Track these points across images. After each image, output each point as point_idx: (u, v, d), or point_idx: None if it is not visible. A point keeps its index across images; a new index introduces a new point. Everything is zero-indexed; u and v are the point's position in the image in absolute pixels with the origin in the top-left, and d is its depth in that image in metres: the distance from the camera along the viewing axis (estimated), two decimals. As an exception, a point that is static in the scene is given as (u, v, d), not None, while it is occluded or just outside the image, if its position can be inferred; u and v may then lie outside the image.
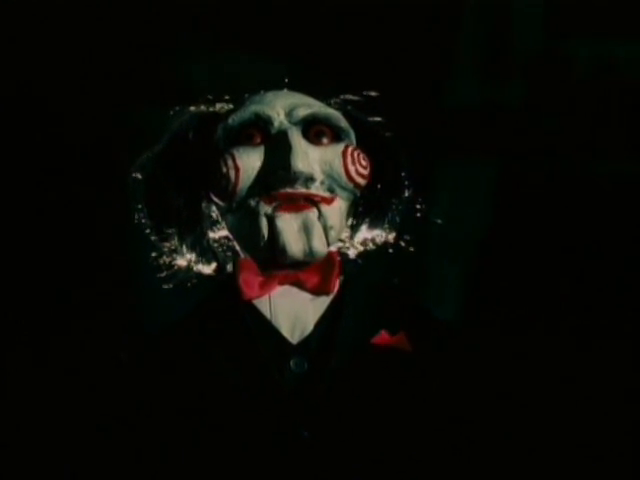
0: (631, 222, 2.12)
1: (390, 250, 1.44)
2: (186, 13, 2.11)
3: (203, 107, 1.41)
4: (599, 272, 2.10)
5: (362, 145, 1.37)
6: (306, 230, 1.28)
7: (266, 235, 1.29)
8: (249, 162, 1.30)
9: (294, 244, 1.28)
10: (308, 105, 1.35)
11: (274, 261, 1.31)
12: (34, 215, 2.04)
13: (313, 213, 1.30)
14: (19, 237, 2.03)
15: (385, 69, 1.97)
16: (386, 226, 1.43)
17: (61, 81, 2.10)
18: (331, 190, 1.32)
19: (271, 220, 1.29)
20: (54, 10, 2.09)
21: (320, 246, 1.29)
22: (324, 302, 1.32)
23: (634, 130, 2.16)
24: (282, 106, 1.34)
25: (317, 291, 1.32)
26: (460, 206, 2.15)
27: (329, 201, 1.32)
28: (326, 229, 1.30)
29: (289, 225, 1.28)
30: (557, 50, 2.22)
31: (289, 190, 1.29)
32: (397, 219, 1.43)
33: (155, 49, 2.09)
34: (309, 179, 1.29)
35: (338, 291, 1.33)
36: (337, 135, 1.35)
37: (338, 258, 1.35)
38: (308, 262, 1.31)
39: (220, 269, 1.40)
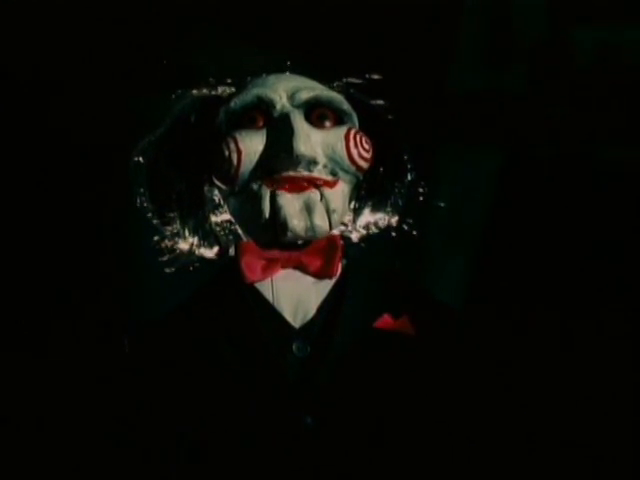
0: (635, 209, 2.11)
1: (393, 234, 1.44)
2: (189, 2, 2.11)
3: (205, 90, 1.41)
4: (602, 260, 2.10)
5: (365, 128, 1.36)
6: (308, 209, 1.28)
7: (268, 215, 1.29)
8: (251, 145, 1.30)
9: (296, 220, 1.27)
10: (311, 88, 1.34)
11: (276, 244, 1.31)
12: (35, 199, 2.04)
13: (315, 194, 1.30)
14: (19, 221, 2.03)
15: (388, 53, 1.96)
16: (389, 209, 1.43)
17: (63, 67, 2.10)
18: (334, 173, 1.32)
19: (273, 199, 1.28)
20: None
21: (322, 222, 1.29)
22: (327, 286, 1.32)
23: (637, 116, 2.16)
24: (284, 89, 1.33)
25: (320, 274, 1.32)
26: (462, 191, 2.15)
27: (331, 184, 1.31)
28: (329, 212, 1.30)
29: (291, 203, 1.28)
30: (560, 37, 2.22)
31: (291, 173, 1.29)
32: (400, 202, 1.43)
33: (157, 34, 2.09)
34: (311, 162, 1.29)
35: (341, 275, 1.33)
36: (340, 118, 1.34)
37: (341, 242, 1.35)
38: (309, 241, 1.31)
39: (222, 252, 1.40)
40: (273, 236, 1.30)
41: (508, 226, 2.10)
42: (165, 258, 1.41)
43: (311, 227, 1.28)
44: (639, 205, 2.11)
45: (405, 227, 1.45)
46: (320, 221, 1.29)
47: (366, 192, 1.41)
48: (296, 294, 1.31)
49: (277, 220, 1.28)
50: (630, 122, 2.16)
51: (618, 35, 2.20)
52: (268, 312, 1.30)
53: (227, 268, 1.35)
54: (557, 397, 1.93)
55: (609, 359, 2.02)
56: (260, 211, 1.29)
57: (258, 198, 1.29)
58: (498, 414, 1.34)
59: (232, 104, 1.33)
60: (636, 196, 2.12)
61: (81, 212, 2.03)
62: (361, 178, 1.37)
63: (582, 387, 1.97)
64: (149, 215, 1.41)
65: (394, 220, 1.44)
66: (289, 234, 1.28)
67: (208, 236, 1.40)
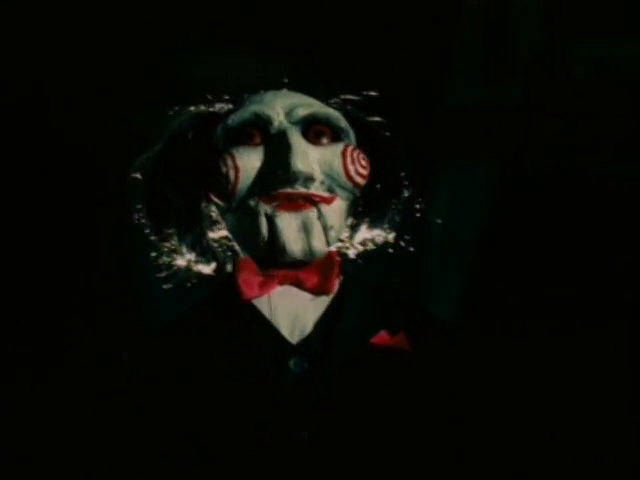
0: (631, 222, 2.12)
1: (390, 250, 1.44)
2: (186, 13, 2.10)
3: (203, 107, 1.41)
4: (600, 273, 2.10)
5: (362, 145, 1.37)
6: (306, 229, 1.28)
7: (266, 234, 1.29)
8: (249, 162, 1.30)
9: (294, 243, 1.28)
10: (308, 105, 1.35)
11: (274, 261, 1.31)
12: (33, 216, 2.04)
13: (313, 213, 1.30)
14: (18, 237, 2.03)
15: (385, 69, 1.96)
16: (386, 226, 1.43)
17: (60, 81, 2.10)
18: (331, 190, 1.32)
19: (271, 219, 1.29)
20: (54, 9, 2.09)
21: (320, 245, 1.29)
22: (324, 302, 1.32)
23: (634, 130, 2.16)
24: (282, 106, 1.34)
25: (317, 291, 1.32)
26: (460, 206, 2.15)
27: (329, 201, 1.32)
28: (326, 229, 1.30)
29: (289, 224, 1.28)
30: (557, 50, 2.22)
31: (289, 190, 1.29)
32: (397, 219, 1.43)
33: (155, 49, 2.09)
34: (309, 179, 1.29)
35: (338, 291, 1.33)
36: (337, 135, 1.35)
37: (338, 258, 1.35)
38: (308, 262, 1.31)
39: (220, 269, 1.40)
40: (271, 255, 1.30)
41: (505, 241, 2.10)
42: (163, 274, 1.41)
43: (309, 251, 1.29)
44: (637, 218, 2.11)
45: (402, 243, 1.45)
46: (317, 244, 1.29)
47: (363, 209, 1.41)
48: (293, 310, 1.31)
49: (275, 243, 1.28)
50: (627, 135, 2.16)
51: (615, 49, 2.20)
52: (265, 328, 1.30)
53: (224, 284, 1.35)
54: (557, 412, 1.93)
55: (609, 373, 2.02)
56: (258, 231, 1.29)
57: (255, 215, 1.30)
58: (497, 430, 1.33)
59: (230, 121, 1.34)
60: (634, 209, 2.12)
61: (78, 228, 2.03)
62: (358, 195, 1.37)
63: (582, 401, 1.97)
64: (146, 231, 1.41)
65: (391, 236, 1.44)
66: (287, 257, 1.29)
67: (205, 252, 1.40)
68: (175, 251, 1.40)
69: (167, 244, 1.40)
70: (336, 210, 1.33)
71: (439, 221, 1.63)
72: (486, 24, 2.24)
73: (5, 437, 1.84)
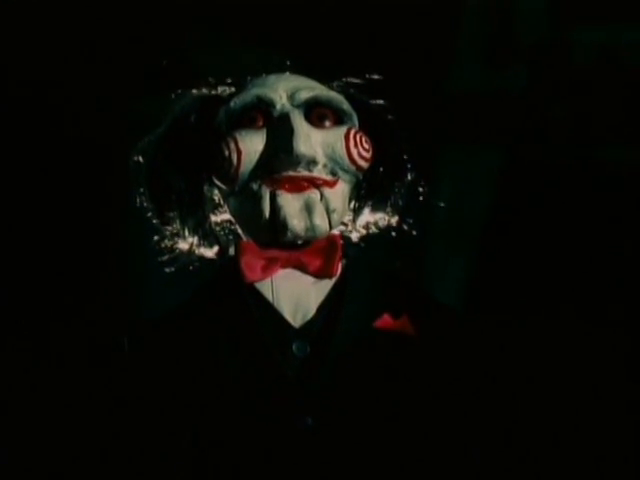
0: (633, 209, 2.12)
1: (393, 233, 1.44)
2: (187, 3, 2.10)
3: (205, 90, 1.41)
4: (601, 260, 2.10)
5: (364, 128, 1.36)
6: (308, 209, 1.28)
7: (267, 215, 1.29)
8: (251, 145, 1.30)
9: (296, 220, 1.28)
10: (310, 88, 1.34)
11: (276, 244, 1.31)
12: (35, 201, 2.04)
13: (315, 195, 1.30)
14: (18, 222, 2.03)
15: (388, 52, 1.96)
16: (388, 209, 1.43)
17: (62, 67, 2.09)
18: (333, 173, 1.32)
19: (273, 199, 1.28)
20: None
21: (322, 222, 1.29)
22: (326, 285, 1.32)
23: (636, 116, 2.16)
24: (284, 89, 1.33)
25: (319, 274, 1.32)
26: (463, 190, 2.15)
27: (331, 184, 1.32)
28: (328, 212, 1.30)
29: (291, 203, 1.28)
30: (559, 37, 2.22)
31: (291, 173, 1.29)
32: (400, 202, 1.43)
33: (157, 34, 2.09)
34: (311, 162, 1.29)
35: (340, 274, 1.33)
36: (339, 118, 1.34)
37: (340, 241, 1.35)
38: (310, 240, 1.31)
39: (222, 252, 1.40)
40: (273, 236, 1.30)
41: (508, 226, 2.11)
42: (165, 258, 1.41)
43: (311, 227, 1.28)
44: (637, 205, 2.11)
45: (405, 227, 1.45)
46: (320, 221, 1.29)
47: (366, 192, 1.41)
48: (296, 294, 1.31)
49: (277, 220, 1.28)
50: (629, 122, 2.16)
51: (617, 36, 2.20)
52: (268, 312, 1.30)
53: (227, 268, 1.35)
54: (558, 398, 1.93)
55: (610, 359, 2.02)
56: (260, 211, 1.29)
57: (258, 198, 1.29)
58: (498, 415, 1.33)
59: (232, 104, 1.33)
60: (636, 196, 2.12)
61: (81, 212, 2.03)
62: (361, 178, 1.37)
63: (584, 388, 1.97)
64: (149, 215, 1.41)
65: (394, 220, 1.44)
66: (289, 234, 1.28)
67: (208, 236, 1.40)
68: (177, 234, 1.40)
69: (169, 227, 1.40)
70: (339, 193, 1.32)
71: (442, 205, 1.63)
72: (490, 10, 2.24)
73: (5, 421, 1.84)
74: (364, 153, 1.33)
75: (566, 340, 2.00)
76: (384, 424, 1.25)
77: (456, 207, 2.07)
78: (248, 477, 1.23)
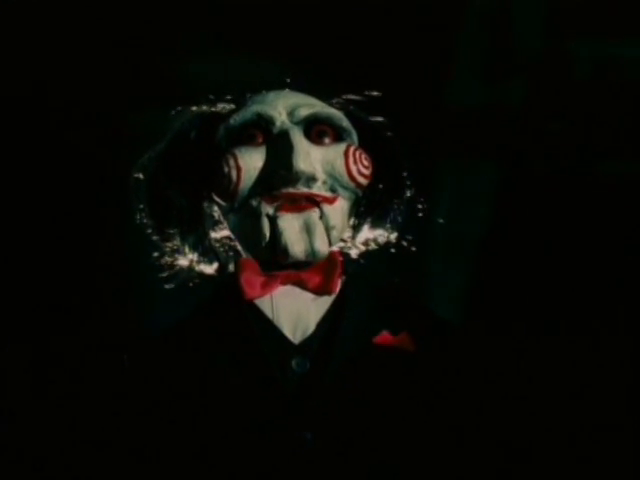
0: (632, 222, 2.11)
1: (392, 250, 1.44)
2: (188, 12, 2.10)
3: (205, 107, 1.41)
4: (601, 272, 2.10)
5: (364, 145, 1.37)
6: (308, 230, 1.28)
7: (268, 235, 1.29)
8: (251, 162, 1.30)
9: (296, 244, 1.28)
10: (310, 105, 1.35)
11: (276, 261, 1.31)
12: (34, 216, 2.04)
13: (315, 213, 1.30)
14: (18, 238, 2.03)
15: (387, 69, 1.96)
16: (388, 226, 1.43)
17: (62, 81, 2.09)
18: (333, 190, 1.32)
19: (273, 220, 1.29)
20: (55, 9, 2.09)
21: (322, 246, 1.29)
22: (326, 302, 1.32)
23: (635, 130, 2.16)
24: (284, 106, 1.34)
25: (319, 291, 1.32)
26: (462, 206, 2.14)
27: (331, 201, 1.32)
28: (328, 229, 1.30)
29: (291, 225, 1.28)
30: (558, 50, 2.22)
31: (291, 190, 1.29)
32: (399, 219, 1.43)
33: (157, 49, 2.09)
34: (311, 179, 1.29)
35: (340, 291, 1.33)
36: (339, 135, 1.35)
37: (340, 258, 1.35)
38: (310, 262, 1.31)
39: (222, 269, 1.40)
40: (273, 255, 1.30)
41: (507, 241, 2.10)
42: (165, 274, 1.41)
43: (311, 252, 1.29)
44: (637, 218, 2.11)
45: (404, 243, 1.45)
46: (320, 245, 1.29)
47: (365, 208, 1.41)
48: (295, 310, 1.31)
49: (277, 245, 1.28)
50: (629, 136, 2.16)
51: (616, 49, 2.20)
52: (267, 328, 1.30)
53: (226, 284, 1.35)
54: (559, 411, 1.92)
55: (611, 373, 2.02)
56: (260, 231, 1.29)
57: (257, 216, 1.30)
58: (499, 429, 1.33)
59: (232, 121, 1.34)
60: (635, 210, 2.12)
61: (80, 228, 2.03)
62: (360, 194, 1.37)
63: (584, 402, 1.97)
64: (149, 231, 1.41)
65: (393, 236, 1.44)
66: (290, 259, 1.29)
67: (208, 252, 1.40)
68: (177, 251, 1.40)
69: (169, 244, 1.40)
70: (338, 210, 1.33)
71: (441, 221, 1.63)
72: (488, 24, 2.24)
73: (6, 443, 1.84)
74: (363, 170, 1.33)
75: (567, 355, 1.99)
76: (383, 440, 1.25)
77: (455, 222, 2.06)
78: (248, 493, 1.23)
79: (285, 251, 1.28)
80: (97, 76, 2.08)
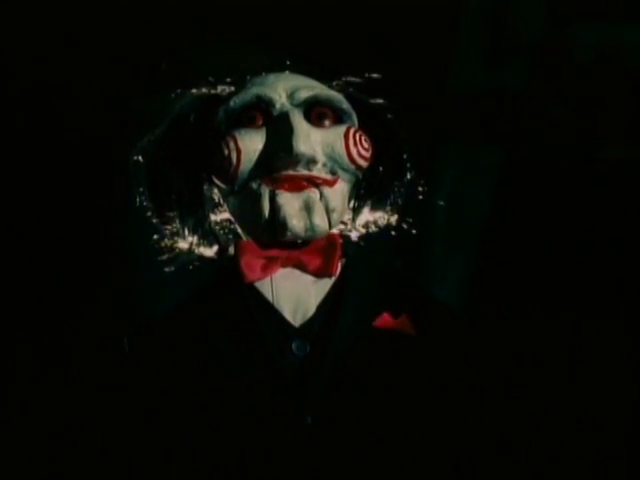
0: (633, 209, 2.11)
1: (392, 232, 1.44)
2: (190, 2, 2.11)
3: (204, 89, 1.41)
4: (601, 260, 2.10)
5: (364, 127, 1.36)
6: (307, 208, 1.28)
7: (267, 214, 1.29)
8: (251, 144, 1.30)
9: (295, 219, 1.28)
10: (310, 87, 1.34)
11: (276, 243, 1.31)
12: (34, 200, 2.04)
13: (315, 194, 1.30)
14: (17, 219, 2.03)
15: (388, 52, 1.96)
16: (388, 208, 1.43)
17: (61, 66, 2.09)
18: (333, 172, 1.32)
19: (272, 199, 1.29)
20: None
21: (321, 222, 1.29)
22: (326, 284, 1.32)
23: (636, 116, 2.16)
24: (284, 88, 1.33)
25: (319, 273, 1.31)
26: (463, 189, 2.15)
27: (331, 183, 1.32)
28: (328, 211, 1.30)
29: (290, 202, 1.28)
30: (560, 36, 2.22)
31: (291, 172, 1.29)
32: (399, 201, 1.43)
33: (157, 33, 2.09)
34: (311, 161, 1.29)
35: (340, 273, 1.33)
36: (339, 117, 1.34)
37: (340, 240, 1.35)
38: (310, 240, 1.31)
39: (222, 252, 1.40)
40: (272, 236, 1.30)
41: (508, 225, 2.10)
42: (164, 257, 1.41)
43: (310, 227, 1.28)
44: (638, 205, 2.11)
45: (405, 226, 1.45)
46: (319, 221, 1.29)
47: (365, 191, 1.41)
48: (296, 293, 1.31)
49: (276, 220, 1.28)
50: (630, 122, 2.16)
51: (618, 34, 2.20)
52: (268, 311, 1.30)
53: (226, 267, 1.35)
54: (560, 397, 1.93)
55: (612, 358, 2.02)
56: (259, 211, 1.29)
57: (257, 197, 1.30)
58: (499, 414, 1.33)
59: (231, 103, 1.33)
60: (637, 196, 2.12)
61: (80, 211, 2.03)
62: (360, 177, 1.37)
63: (585, 387, 1.97)
64: (148, 214, 1.41)
65: (393, 219, 1.44)
66: (288, 234, 1.28)
67: (207, 235, 1.40)
68: (177, 234, 1.40)
69: (169, 227, 1.40)
70: (338, 192, 1.32)
71: (442, 203, 1.63)
72: (489, 10, 2.24)
73: (7, 428, 1.84)
74: (363, 152, 1.33)
75: (568, 340, 2.00)
76: (384, 423, 1.25)
77: (456, 206, 2.06)
78: (248, 476, 1.22)
79: (284, 226, 1.28)
80: (98, 61, 2.08)
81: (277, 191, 1.28)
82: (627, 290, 2.08)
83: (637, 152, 2.16)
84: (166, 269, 1.40)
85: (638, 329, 2.05)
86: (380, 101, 1.42)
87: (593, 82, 2.18)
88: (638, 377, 2.03)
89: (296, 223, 1.28)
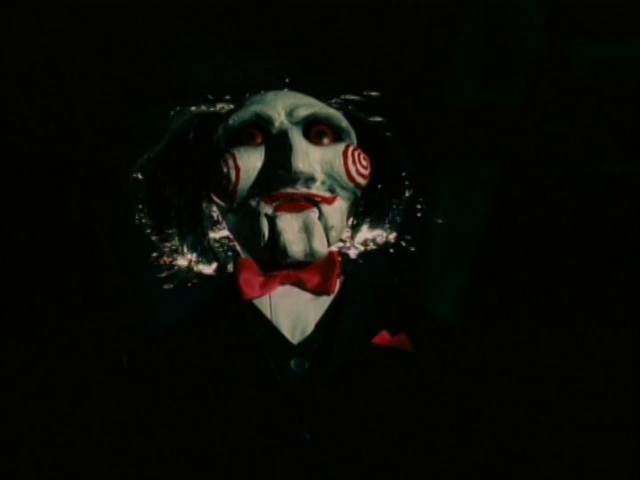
0: (631, 223, 2.12)
1: (391, 250, 1.44)
2: (187, 13, 2.11)
3: (204, 107, 1.41)
4: (600, 273, 2.10)
5: (363, 145, 1.37)
6: (307, 230, 1.28)
7: (267, 235, 1.29)
8: (250, 162, 1.30)
9: (295, 244, 1.28)
10: (309, 105, 1.35)
11: (275, 261, 1.31)
12: (33, 216, 2.04)
13: (314, 213, 1.30)
14: (18, 238, 2.03)
15: (386, 69, 1.96)
16: (387, 226, 1.43)
17: (61, 81, 2.10)
18: (332, 190, 1.32)
19: (272, 220, 1.29)
20: (56, 9, 2.09)
21: (321, 246, 1.29)
22: (325, 302, 1.32)
23: (634, 131, 2.16)
24: (283, 106, 1.34)
25: (318, 291, 1.32)
26: (461, 206, 2.15)
27: (330, 201, 1.32)
28: (327, 229, 1.30)
29: (290, 225, 1.28)
30: (558, 50, 2.22)
31: (290, 190, 1.29)
32: (398, 219, 1.43)
33: (156, 49, 2.09)
34: (310, 179, 1.29)
35: (339, 291, 1.33)
36: (338, 135, 1.35)
37: (339, 258, 1.35)
38: (309, 262, 1.31)
39: (221, 269, 1.40)
40: (272, 256, 1.30)
41: (506, 241, 2.11)
42: (164, 274, 1.41)
43: (310, 252, 1.29)
44: (636, 219, 2.12)
45: (403, 243, 1.45)
46: (319, 245, 1.29)
47: (364, 209, 1.41)
48: (294, 310, 1.31)
49: (277, 245, 1.28)
50: (629, 136, 2.16)
51: (616, 49, 2.20)
52: (266, 328, 1.30)
53: (225, 285, 1.35)
54: (558, 412, 1.93)
55: (611, 372, 2.02)
56: (259, 231, 1.29)
57: (256, 216, 1.30)
58: (498, 430, 1.33)
59: (231, 121, 1.34)
60: (635, 210, 2.12)
61: (80, 228, 2.03)
62: (359, 195, 1.37)
63: (584, 401, 1.97)
64: (148, 231, 1.41)
65: (392, 236, 1.44)
66: (288, 259, 1.29)
67: (206, 252, 1.40)
68: (176, 251, 1.40)
69: (168, 244, 1.40)
70: (337, 210, 1.33)
71: (440, 221, 1.63)
72: (488, 25, 2.25)
73: (6, 443, 1.84)
74: (362, 170, 1.33)
75: (566, 354, 2.00)
76: (382, 440, 1.25)
77: (454, 222, 2.07)
78: (246, 494, 1.23)
79: (284, 251, 1.28)
80: (96, 76, 2.08)
81: (277, 213, 1.29)
82: (627, 304, 2.08)
83: (636, 167, 2.17)
84: (165, 286, 1.41)
85: (636, 344, 2.05)
86: (379, 119, 1.42)
87: (591, 97, 2.19)
88: (636, 392, 2.03)
89: (296, 249, 1.28)
